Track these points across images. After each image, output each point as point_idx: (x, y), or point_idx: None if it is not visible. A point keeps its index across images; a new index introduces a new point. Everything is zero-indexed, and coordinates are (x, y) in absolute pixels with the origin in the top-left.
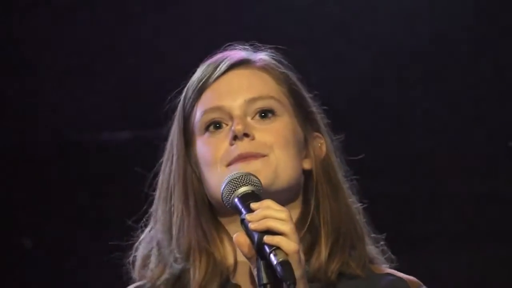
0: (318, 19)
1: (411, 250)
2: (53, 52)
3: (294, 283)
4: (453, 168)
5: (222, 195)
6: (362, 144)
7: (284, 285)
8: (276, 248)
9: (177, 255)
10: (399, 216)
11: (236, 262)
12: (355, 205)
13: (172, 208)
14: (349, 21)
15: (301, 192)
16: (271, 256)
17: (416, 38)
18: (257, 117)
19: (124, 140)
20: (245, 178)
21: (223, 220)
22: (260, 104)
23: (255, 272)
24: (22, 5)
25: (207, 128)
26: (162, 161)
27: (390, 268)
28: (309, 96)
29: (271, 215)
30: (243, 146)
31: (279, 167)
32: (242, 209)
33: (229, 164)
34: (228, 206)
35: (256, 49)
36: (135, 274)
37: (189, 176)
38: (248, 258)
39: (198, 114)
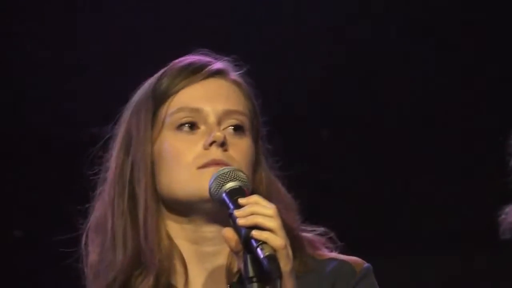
0: None
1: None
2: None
3: (280, 277)
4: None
5: (210, 190)
6: None
7: (270, 279)
8: (262, 243)
9: (121, 261)
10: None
11: (185, 267)
12: (293, 209)
13: (122, 202)
14: None
15: None
16: (258, 250)
17: None
18: (229, 129)
19: None
20: (233, 174)
21: (172, 218)
22: (235, 118)
23: (241, 267)
24: None
25: (179, 126)
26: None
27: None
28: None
29: (259, 211)
30: (217, 153)
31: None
32: (230, 204)
33: (200, 167)
34: (215, 201)
35: (219, 58)
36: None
37: (149, 166)
38: (235, 252)
39: (172, 109)
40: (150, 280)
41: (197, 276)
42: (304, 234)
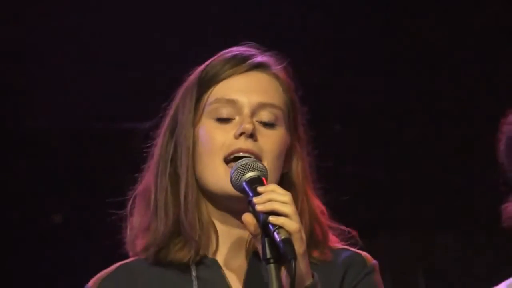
0: None
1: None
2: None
3: (295, 258)
4: None
5: (231, 179)
6: None
7: (286, 260)
8: (279, 227)
9: (161, 231)
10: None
11: (217, 240)
12: (319, 208)
13: (164, 179)
14: None
15: None
16: (275, 234)
17: None
18: (262, 121)
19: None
20: (252, 165)
21: (208, 197)
22: (268, 110)
23: (259, 248)
24: None
25: (216, 116)
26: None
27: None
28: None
29: (275, 198)
30: (246, 143)
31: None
32: (249, 192)
33: (226, 157)
34: (236, 189)
35: (264, 51)
36: (128, 245)
37: (190, 148)
38: (254, 236)
39: (211, 98)
40: (190, 252)
41: (224, 248)
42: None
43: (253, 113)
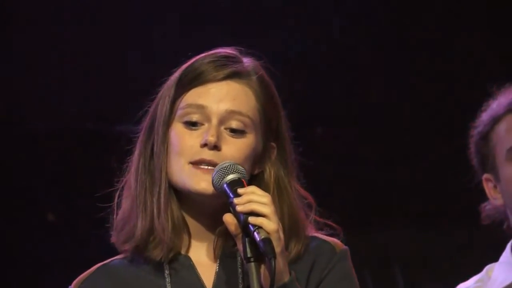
0: None
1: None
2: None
3: (275, 257)
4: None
5: (212, 181)
6: None
7: (266, 258)
8: (259, 227)
9: (139, 226)
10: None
11: (189, 238)
12: (304, 201)
13: (143, 176)
14: None
15: None
16: (255, 234)
17: None
18: (229, 129)
19: None
20: (232, 167)
21: (181, 196)
22: (237, 118)
23: (240, 248)
24: None
25: (185, 121)
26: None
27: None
28: (280, 104)
29: (255, 199)
30: (209, 153)
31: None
32: (230, 194)
33: (191, 163)
34: (217, 191)
35: (245, 54)
36: (112, 237)
37: (165, 148)
38: (235, 236)
39: (183, 103)
40: (163, 250)
41: (196, 245)
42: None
43: (221, 121)
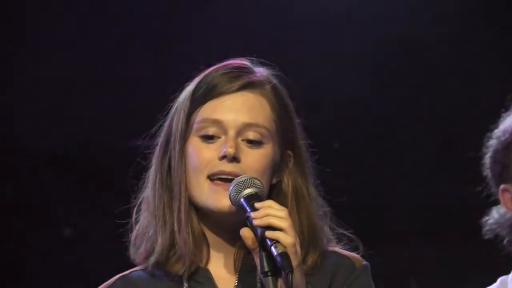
0: None
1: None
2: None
3: (292, 271)
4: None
5: (230, 195)
6: None
7: (283, 273)
8: (276, 241)
9: (160, 242)
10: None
11: (209, 251)
12: (321, 210)
13: (161, 191)
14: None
15: None
16: (272, 248)
17: None
18: (246, 141)
19: None
20: (250, 181)
21: (200, 215)
22: (253, 130)
23: (257, 262)
24: None
25: (202, 135)
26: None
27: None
28: (294, 113)
29: (272, 213)
30: (228, 165)
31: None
32: (247, 208)
33: (210, 176)
34: (234, 205)
35: (257, 64)
36: (131, 254)
37: (183, 163)
38: (252, 250)
39: (199, 117)
40: (184, 265)
41: (215, 259)
42: (327, 234)
43: (238, 133)
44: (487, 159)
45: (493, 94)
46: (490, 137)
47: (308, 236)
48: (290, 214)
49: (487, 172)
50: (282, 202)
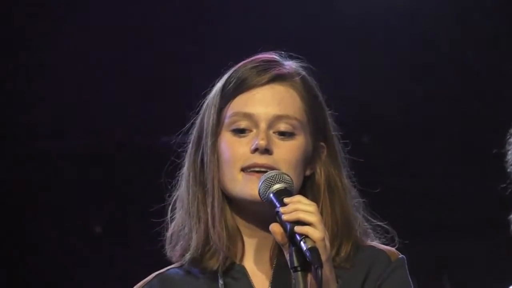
0: None
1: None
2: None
3: (321, 266)
4: None
5: (259, 191)
6: None
7: (313, 268)
8: (305, 237)
9: (195, 239)
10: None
11: (243, 247)
12: (355, 200)
13: (195, 188)
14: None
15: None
16: (301, 243)
17: None
18: (278, 133)
19: None
20: (279, 177)
21: (234, 205)
22: (285, 122)
23: (287, 257)
24: None
25: (233, 129)
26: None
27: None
28: (324, 104)
29: (301, 208)
30: (261, 158)
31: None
32: (277, 203)
33: (243, 169)
34: (264, 200)
35: (286, 58)
36: (167, 252)
37: (215, 158)
38: (282, 245)
39: (229, 112)
40: (219, 260)
41: (250, 254)
42: (361, 225)
43: (269, 125)
44: (509, 156)
45: None
46: (511, 134)
47: (341, 227)
48: (323, 205)
49: (510, 168)
50: (315, 193)
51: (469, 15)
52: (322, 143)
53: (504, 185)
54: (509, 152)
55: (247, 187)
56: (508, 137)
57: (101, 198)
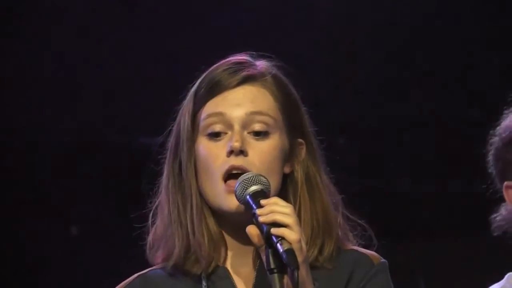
0: None
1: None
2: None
3: (297, 268)
4: None
5: (235, 193)
6: None
7: (289, 270)
8: (281, 238)
9: (177, 244)
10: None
11: (226, 249)
12: (335, 198)
13: (174, 194)
14: None
15: (280, 193)
16: (278, 245)
17: None
18: (252, 133)
19: None
20: (255, 178)
21: (216, 215)
22: (258, 119)
23: (264, 259)
24: None
25: (208, 133)
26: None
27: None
28: (299, 101)
29: (277, 210)
30: (237, 160)
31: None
32: (253, 205)
33: (224, 175)
34: (240, 202)
35: (256, 57)
36: (148, 257)
37: (193, 165)
38: (258, 247)
39: (203, 115)
40: (202, 265)
41: (233, 257)
42: (342, 224)
43: (244, 126)
44: (490, 157)
45: None
46: (493, 135)
47: (323, 224)
48: (303, 202)
49: (491, 169)
50: (295, 191)
51: None
52: (300, 140)
53: (485, 185)
54: (490, 153)
55: (228, 201)
56: (489, 137)
57: (84, 197)
